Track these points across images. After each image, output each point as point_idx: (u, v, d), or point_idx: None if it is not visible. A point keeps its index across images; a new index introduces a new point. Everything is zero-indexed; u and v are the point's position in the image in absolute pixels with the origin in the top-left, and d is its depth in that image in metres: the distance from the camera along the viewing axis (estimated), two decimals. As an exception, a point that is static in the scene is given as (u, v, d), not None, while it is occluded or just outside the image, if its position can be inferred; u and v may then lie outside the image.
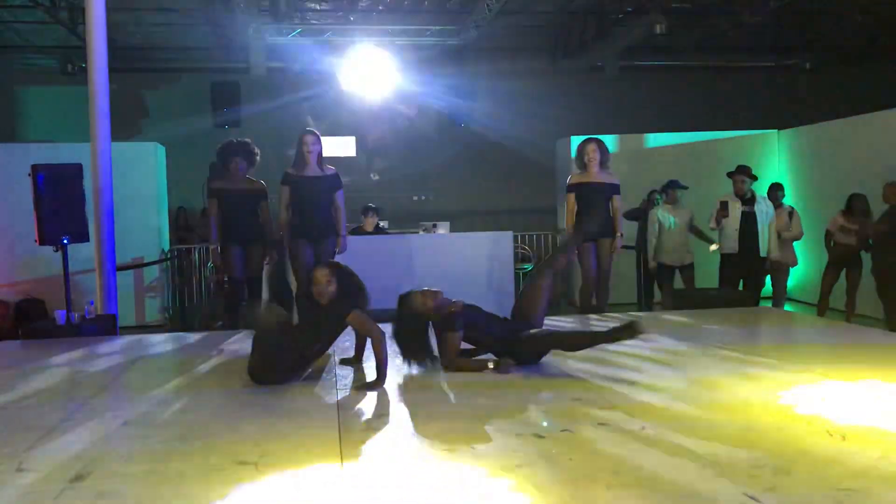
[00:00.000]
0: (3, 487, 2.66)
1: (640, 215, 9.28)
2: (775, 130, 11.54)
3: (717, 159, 11.00)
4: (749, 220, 7.76)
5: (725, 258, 7.96)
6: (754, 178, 7.97)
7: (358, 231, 9.29)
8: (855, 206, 8.12)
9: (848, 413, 3.29)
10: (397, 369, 4.35)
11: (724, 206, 7.83)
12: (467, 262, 8.53)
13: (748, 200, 7.81)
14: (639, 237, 9.36)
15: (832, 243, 8.33)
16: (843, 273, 8.31)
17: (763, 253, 7.80)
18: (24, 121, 13.42)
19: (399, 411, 3.57)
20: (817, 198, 10.07)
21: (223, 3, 10.93)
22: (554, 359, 4.50)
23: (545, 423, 3.29)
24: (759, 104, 13.62)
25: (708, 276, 8.70)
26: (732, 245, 7.81)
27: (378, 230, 9.33)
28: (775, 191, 8.81)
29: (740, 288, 7.82)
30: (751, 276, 7.83)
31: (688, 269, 8.95)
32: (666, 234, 8.64)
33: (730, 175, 7.98)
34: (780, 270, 8.57)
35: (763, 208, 7.85)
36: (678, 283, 8.79)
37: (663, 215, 8.77)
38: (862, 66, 13.47)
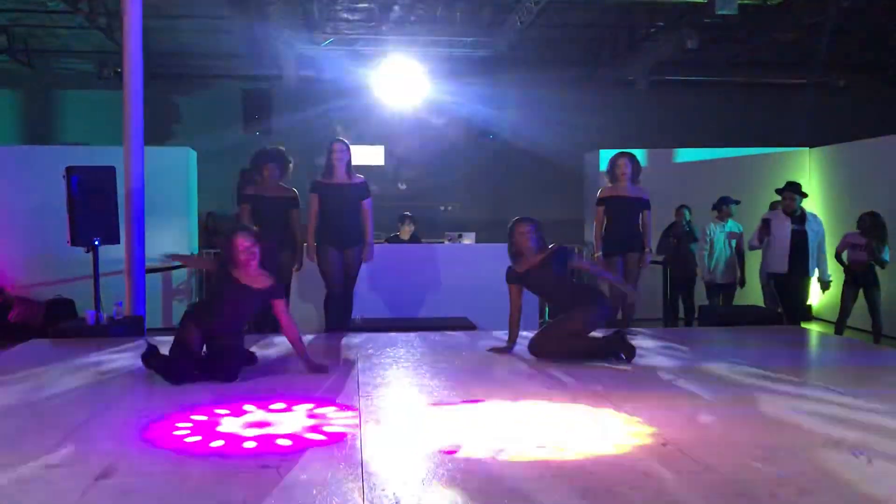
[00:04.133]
0: (31, 482, 2.70)
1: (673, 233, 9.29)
2: (807, 148, 11.43)
3: (748, 176, 10.93)
4: (799, 238, 7.39)
5: (774, 278, 7.63)
6: (804, 195, 7.60)
7: (394, 239, 9.30)
8: (865, 222, 8.03)
9: (875, 437, 3.24)
10: (422, 386, 4.37)
11: (766, 223, 7.58)
12: (492, 272, 8.49)
13: (798, 218, 7.46)
14: (666, 251, 9.34)
15: (847, 262, 8.15)
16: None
17: (811, 273, 7.44)
18: (60, 123, 13.64)
19: (420, 420, 3.58)
20: (848, 217, 9.92)
21: (257, 11, 11.05)
22: (576, 371, 4.52)
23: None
24: (791, 121, 13.48)
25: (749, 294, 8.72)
26: (781, 265, 7.44)
27: (414, 239, 9.33)
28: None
29: (788, 309, 7.50)
30: (800, 296, 7.47)
31: (729, 287, 8.91)
32: (714, 251, 8.75)
33: (778, 192, 7.68)
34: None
35: (814, 227, 7.49)
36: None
37: (713, 230, 8.80)
38: (896, 84, 13.31)
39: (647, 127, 13.03)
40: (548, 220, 13.71)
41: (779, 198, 8.99)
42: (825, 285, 7.92)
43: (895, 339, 8.55)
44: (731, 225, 8.91)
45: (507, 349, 5.23)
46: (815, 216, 7.68)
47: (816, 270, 7.73)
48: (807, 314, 7.80)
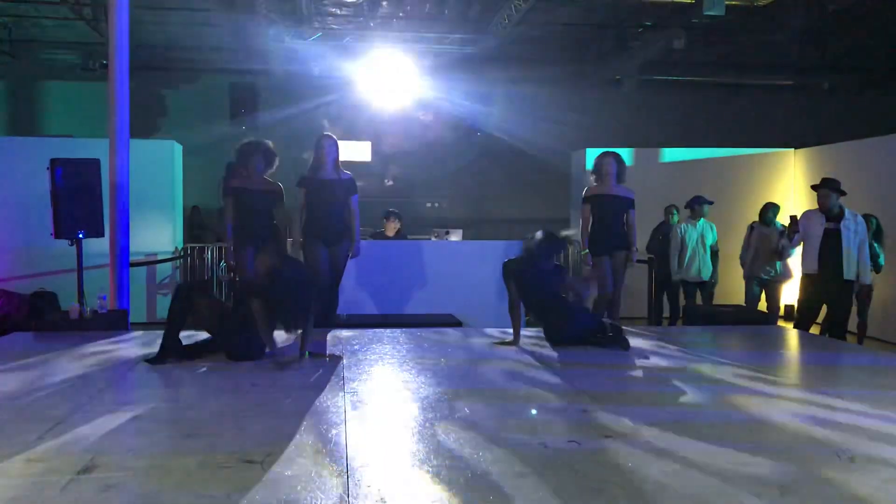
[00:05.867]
0: (12, 477, 2.68)
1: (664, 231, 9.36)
2: (792, 149, 11.51)
3: (734, 176, 11.00)
4: (833, 237, 6.91)
5: (805, 279, 7.18)
6: (842, 192, 7.11)
7: (379, 235, 9.28)
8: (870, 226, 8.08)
9: (858, 436, 3.27)
10: (408, 382, 4.37)
11: (793, 221, 7.24)
12: (479, 270, 8.52)
13: (834, 217, 6.98)
14: (655, 251, 9.41)
15: None
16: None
17: (848, 276, 6.88)
18: (45, 115, 13.54)
19: (406, 416, 3.58)
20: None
21: (245, 5, 11.00)
22: (564, 370, 4.54)
23: (534, 412, 3.55)
24: (777, 122, 13.58)
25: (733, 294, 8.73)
26: (812, 265, 6.99)
27: (399, 235, 9.33)
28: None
29: (821, 312, 7.15)
30: (833, 300, 6.99)
31: (708, 286, 8.96)
32: (687, 250, 8.77)
33: (814, 188, 7.25)
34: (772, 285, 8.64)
35: (852, 226, 6.99)
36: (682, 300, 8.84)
37: (685, 230, 8.81)
38: (881, 88, 13.42)
39: (633, 126, 13.10)
40: (534, 218, 13.86)
41: (768, 199, 9.12)
42: (864, 290, 7.50)
43: (879, 341, 8.64)
44: (702, 224, 8.94)
45: (514, 343, 5.36)
46: (855, 215, 7.12)
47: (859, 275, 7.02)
48: (839, 325, 6.99)
